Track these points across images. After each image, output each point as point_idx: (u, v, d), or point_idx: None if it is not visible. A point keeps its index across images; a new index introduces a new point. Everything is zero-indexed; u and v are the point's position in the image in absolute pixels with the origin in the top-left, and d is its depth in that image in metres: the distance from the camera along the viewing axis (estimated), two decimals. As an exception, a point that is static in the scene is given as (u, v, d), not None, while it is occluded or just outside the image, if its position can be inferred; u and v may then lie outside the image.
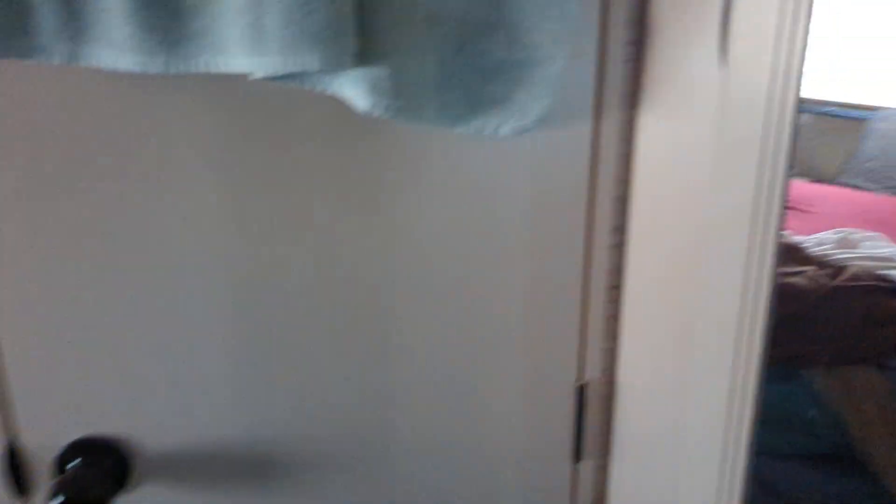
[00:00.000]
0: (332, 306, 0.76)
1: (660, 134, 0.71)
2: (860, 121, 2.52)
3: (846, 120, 2.59)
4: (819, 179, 2.51)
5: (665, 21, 0.67)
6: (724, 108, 0.64)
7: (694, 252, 0.71)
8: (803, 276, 1.36)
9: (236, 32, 0.60)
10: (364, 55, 0.62)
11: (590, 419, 0.82)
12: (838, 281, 1.23)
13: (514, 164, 0.73)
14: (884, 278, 1.20)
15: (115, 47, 0.61)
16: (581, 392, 0.81)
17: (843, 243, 1.79)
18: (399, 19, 0.63)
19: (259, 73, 0.61)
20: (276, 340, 0.76)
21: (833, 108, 2.63)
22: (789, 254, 1.47)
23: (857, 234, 1.83)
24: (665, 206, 0.72)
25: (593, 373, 0.81)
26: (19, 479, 0.79)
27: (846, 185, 2.33)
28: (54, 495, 0.72)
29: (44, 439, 0.77)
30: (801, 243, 1.69)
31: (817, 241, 1.81)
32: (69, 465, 0.78)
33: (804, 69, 0.60)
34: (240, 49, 0.60)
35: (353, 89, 0.64)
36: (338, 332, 0.77)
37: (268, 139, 0.70)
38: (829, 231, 1.83)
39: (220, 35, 0.61)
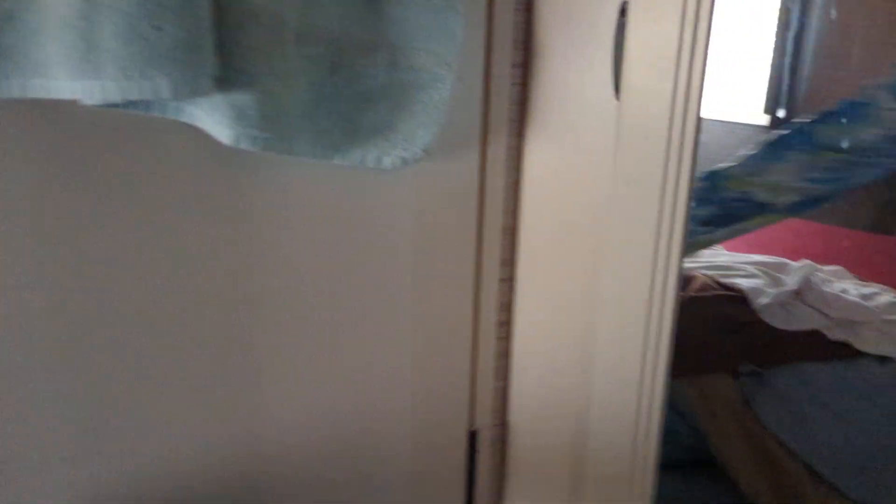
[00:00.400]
0: (196, 347, 0.64)
1: (550, 162, 0.67)
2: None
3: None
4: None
5: (554, 44, 0.63)
6: (621, 137, 0.61)
7: (589, 283, 0.67)
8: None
9: (60, 49, 0.48)
10: (225, 79, 0.52)
11: (482, 465, 0.76)
12: (689, 291, 1.26)
13: (398, 196, 0.66)
14: (729, 287, 1.26)
15: None
16: (472, 438, 0.75)
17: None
18: (265, 38, 0.54)
19: (91, 100, 0.49)
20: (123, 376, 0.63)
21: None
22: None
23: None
24: (557, 237, 0.68)
25: (484, 416, 0.75)
26: None
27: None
28: None
29: None
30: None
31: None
32: None
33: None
34: (65, 71, 0.48)
35: (213, 118, 0.53)
36: (203, 380, 0.65)
37: (104, 176, 0.57)
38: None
39: (39, 52, 0.48)
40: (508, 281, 0.72)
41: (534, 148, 0.67)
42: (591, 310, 0.68)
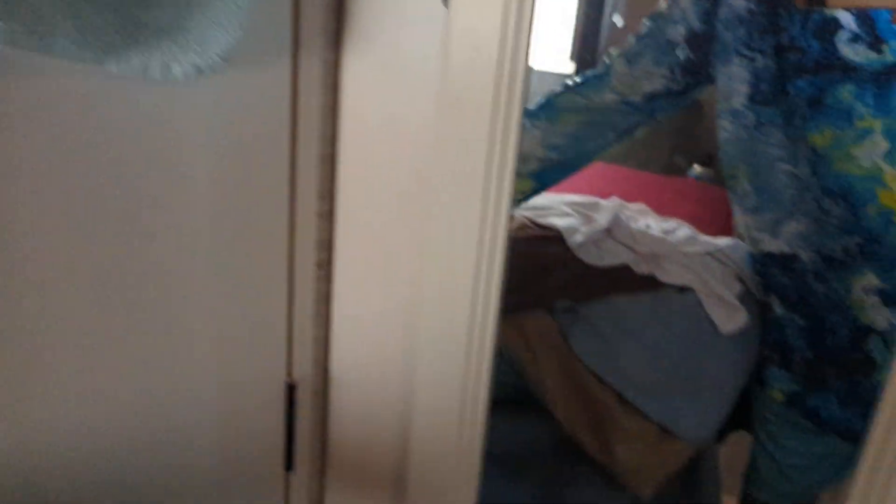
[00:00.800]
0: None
1: (371, 80, 0.59)
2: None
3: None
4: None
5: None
6: (449, 50, 0.55)
7: (416, 220, 0.61)
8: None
9: None
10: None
11: (302, 421, 0.69)
12: (510, 231, 1.26)
13: (193, 115, 0.55)
14: (546, 226, 1.27)
15: None
16: (291, 391, 0.68)
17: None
18: None
19: None
20: None
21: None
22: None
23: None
24: (380, 167, 0.62)
25: (304, 367, 0.68)
26: None
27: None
28: None
29: None
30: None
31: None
32: None
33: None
34: None
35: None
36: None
37: None
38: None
39: None
40: (327, 216, 0.64)
41: (352, 64, 0.60)
42: (418, 248, 0.62)
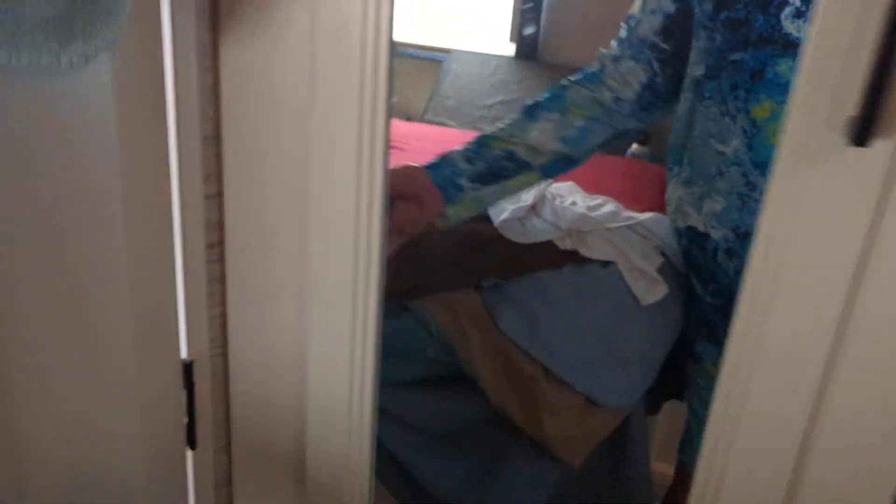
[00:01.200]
0: None
1: (248, 62, 0.60)
2: (436, 62, 2.72)
3: (424, 61, 2.78)
4: (409, 118, 2.66)
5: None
6: (317, 28, 0.56)
7: (299, 199, 0.63)
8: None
9: None
10: None
11: (201, 399, 0.70)
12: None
13: (80, 104, 0.56)
14: (474, 206, 1.28)
15: None
16: (188, 369, 0.69)
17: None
18: None
19: None
20: None
21: (411, 50, 2.80)
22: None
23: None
24: (263, 146, 0.63)
25: (201, 345, 0.69)
26: None
27: (432, 122, 2.51)
28: None
29: None
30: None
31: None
32: None
33: None
34: None
35: None
36: None
37: None
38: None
39: None
40: (216, 198, 0.65)
41: (230, 46, 0.61)
42: (302, 228, 0.64)
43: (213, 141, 0.64)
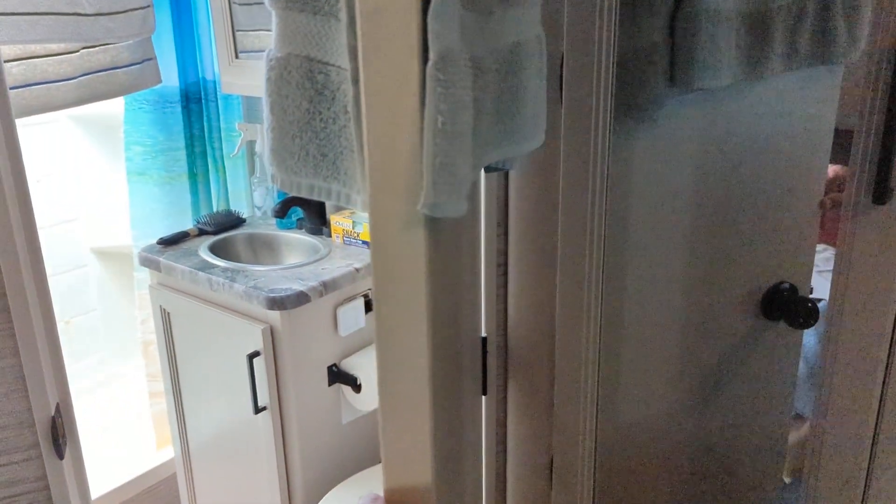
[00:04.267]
0: None
1: None
2: None
3: None
4: None
5: None
6: None
7: None
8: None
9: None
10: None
11: (490, 361, 1.08)
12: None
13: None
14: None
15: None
16: (484, 342, 1.07)
17: None
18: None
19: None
20: None
21: None
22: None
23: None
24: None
25: (490, 326, 1.06)
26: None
27: None
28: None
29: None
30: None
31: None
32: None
33: None
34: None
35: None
36: None
37: None
38: None
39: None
40: None
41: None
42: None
43: None
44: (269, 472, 2.04)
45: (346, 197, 0.62)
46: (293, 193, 0.66)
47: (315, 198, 0.65)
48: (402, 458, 0.66)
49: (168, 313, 2.18)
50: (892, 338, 0.74)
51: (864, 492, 0.79)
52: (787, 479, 1.51)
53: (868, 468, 0.78)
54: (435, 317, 0.62)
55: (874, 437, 0.77)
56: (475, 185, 0.92)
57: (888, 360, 0.74)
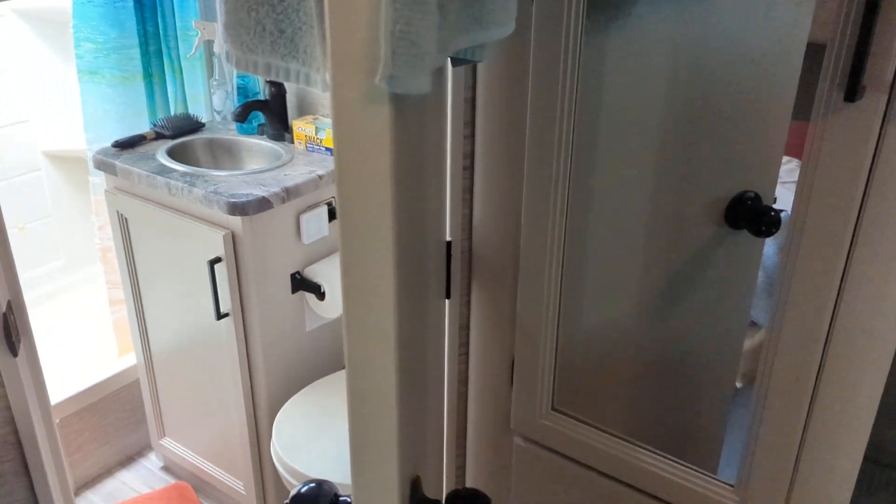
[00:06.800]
0: None
1: None
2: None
3: None
4: None
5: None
6: None
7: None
8: None
9: None
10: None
11: (454, 266, 1.07)
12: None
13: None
14: None
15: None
16: (448, 246, 1.06)
17: None
18: None
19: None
20: None
21: None
22: None
23: None
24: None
25: (455, 231, 1.05)
26: None
27: None
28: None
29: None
30: None
31: None
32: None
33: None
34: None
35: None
36: None
37: None
38: None
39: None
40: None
41: None
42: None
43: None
44: (232, 377, 2.05)
45: (306, 77, 0.59)
46: (250, 73, 0.62)
47: (273, 78, 0.61)
48: (366, 363, 0.66)
49: (126, 219, 2.13)
50: (851, 243, 0.74)
51: (813, 396, 0.81)
52: (739, 385, 1.57)
53: (818, 374, 0.80)
54: (399, 214, 0.60)
55: (826, 342, 0.78)
56: (441, 77, 0.89)
57: (845, 266, 0.75)
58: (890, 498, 0.97)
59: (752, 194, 1.20)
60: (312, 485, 0.72)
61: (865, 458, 0.85)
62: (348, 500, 0.67)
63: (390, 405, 0.63)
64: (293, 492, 0.73)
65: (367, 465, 0.66)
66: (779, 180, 1.33)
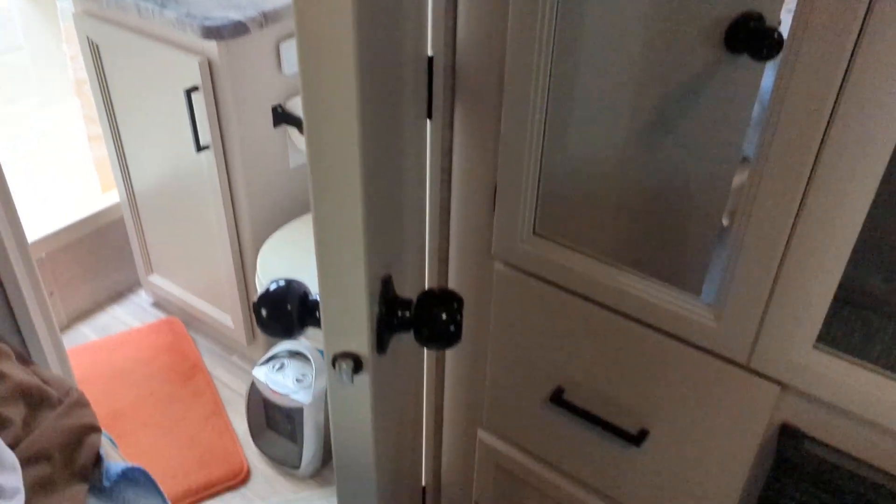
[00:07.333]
0: None
1: None
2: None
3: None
4: None
5: None
6: None
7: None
8: None
9: None
10: None
11: (437, 84, 1.01)
12: None
13: None
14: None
15: None
16: (430, 62, 0.99)
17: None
18: None
19: None
20: None
21: None
22: None
23: None
24: None
25: (438, 46, 0.98)
26: None
27: None
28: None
29: None
30: None
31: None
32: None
33: None
34: None
35: None
36: None
37: None
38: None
39: None
40: None
41: None
42: None
43: None
44: (216, 212, 2.03)
45: None
46: None
47: None
48: (332, 199, 0.62)
49: (97, 45, 2.02)
50: (849, 62, 0.69)
51: (789, 239, 0.79)
52: (725, 222, 1.56)
53: (796, 213, 0.77)
54: (361, 19, 0.55)
55: (812, 171, 0.75)
56: None
57: (840, 88, 0.70)
58: (862, 338, 0.97)
59: (757, 14, 1.12)
60: (281, 283, 0.71)
61: (843, 301, 0.84)
62: (318, 299, 0.66)
63: (355, 195, 0.61)
64: (261, 290, 0.72)
65: (332, 253, 0.64)
66: (784, 4, 1.24)
